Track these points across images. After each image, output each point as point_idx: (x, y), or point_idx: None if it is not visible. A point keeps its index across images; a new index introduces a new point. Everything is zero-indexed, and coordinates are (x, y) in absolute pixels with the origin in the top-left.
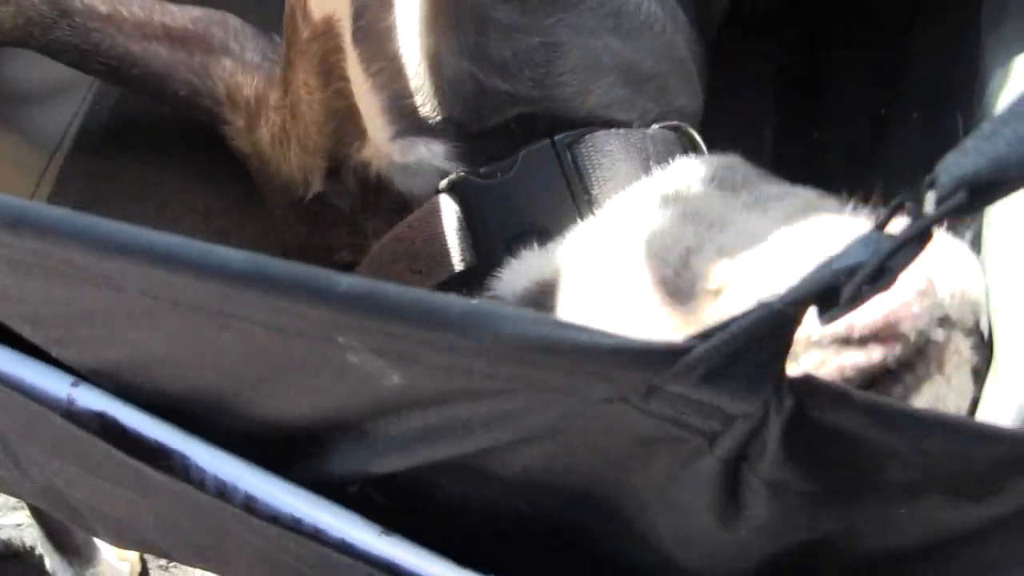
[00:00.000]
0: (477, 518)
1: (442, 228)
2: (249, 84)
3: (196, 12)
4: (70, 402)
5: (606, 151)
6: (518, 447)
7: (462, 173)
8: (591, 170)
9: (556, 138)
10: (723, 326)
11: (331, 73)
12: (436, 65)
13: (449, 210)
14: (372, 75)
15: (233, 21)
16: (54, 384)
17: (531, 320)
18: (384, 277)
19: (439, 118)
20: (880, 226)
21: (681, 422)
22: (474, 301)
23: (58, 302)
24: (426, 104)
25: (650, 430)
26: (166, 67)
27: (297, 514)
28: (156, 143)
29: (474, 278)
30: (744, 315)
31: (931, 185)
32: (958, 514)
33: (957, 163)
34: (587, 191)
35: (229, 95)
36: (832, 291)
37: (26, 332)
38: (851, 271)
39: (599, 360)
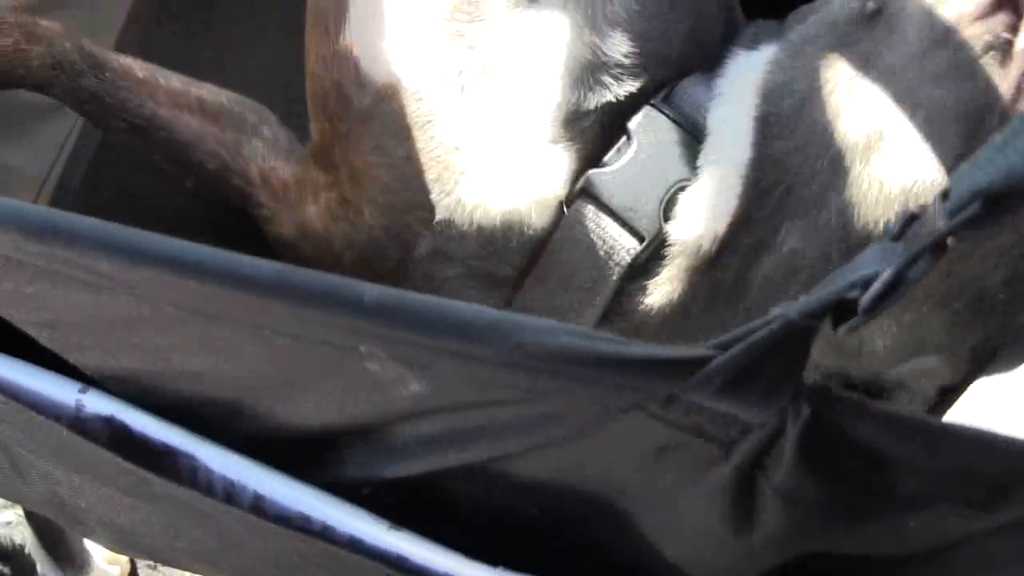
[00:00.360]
0: (487, 519)
1: (597, 231)
2: (285, 168)
3: (234, 95)
4: (78, 408)
5: (692, 91)
6: (533, 454)
7: (587, 174)
8: (695, 111)
9: (652, 102)
10: (742, 336)
11: (412, 130)
12: None
13: (592, 212)
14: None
15: (268, 113)
16: (62, 391)
17: (553, 330)
18: (547, 309)
19: None
20: (895, 237)
21: (699, 430)
22: (498, 311)
23: (82, 309)
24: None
25: (667, 438)
26: (195, 136)
27: (306, 511)
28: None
29: (646, 260)
30: (762, 325)
31: (945, 196)
32: (967, 522)
33: (971, 175)
34: (698, 129)
35: (263, 177)
36: (849, 302)
37: (43, 337)
38: (867, 282)
39: (620, 370)
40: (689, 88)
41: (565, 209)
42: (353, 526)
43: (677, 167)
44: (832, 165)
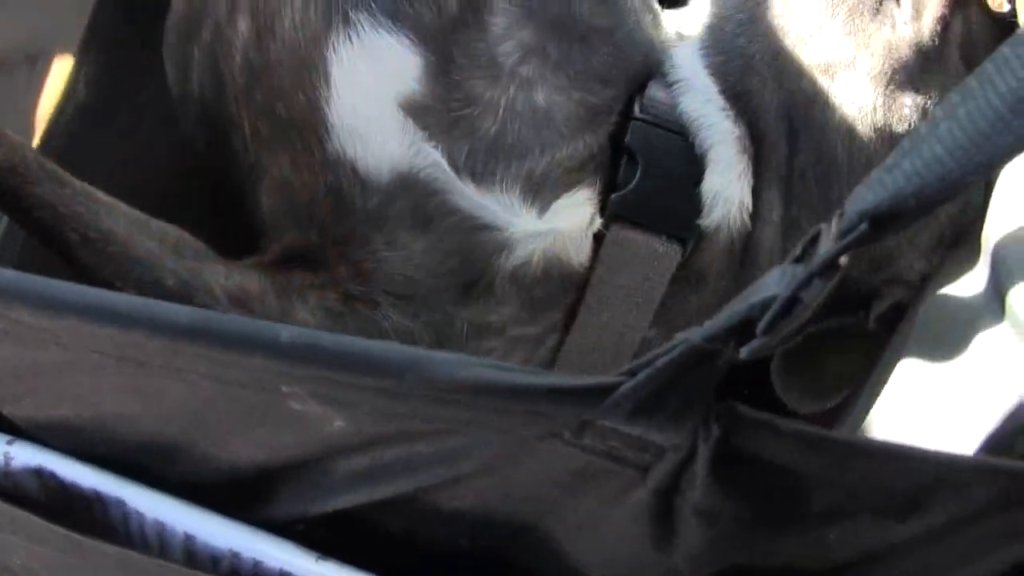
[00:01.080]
0: (419, 551)
1: (640, 249)
2: (254, 280)
3: None
4: (6, 461)
5: (656, 95)
6: (457, 485)
7: (611, 199)
8: (669, 111)
9: (634, 116)
10: (648, 362)
11: (432, 217)
12: None
13: (628, 232)
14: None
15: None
16: None
17: (464, 363)
18: (600, 339)
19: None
20: (797, 259)
21: (613, 455)
22: (411, 348)
23: (6, 360)
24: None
25: (584, 464)
26: (151, 256)
27: (236, 548)
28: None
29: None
30: (668, 350)
31: (840, 216)
32: (883, 533)
33: (861, 196)
34: (682, 126)
35: (232, 296)
36: (749, 324)
37: None
38: (765, 305)
39: (531, 399)
40: (651, 93)
41: (601, 240)
42: (282, 559)
43: (686, 167)
44: (797, 121)
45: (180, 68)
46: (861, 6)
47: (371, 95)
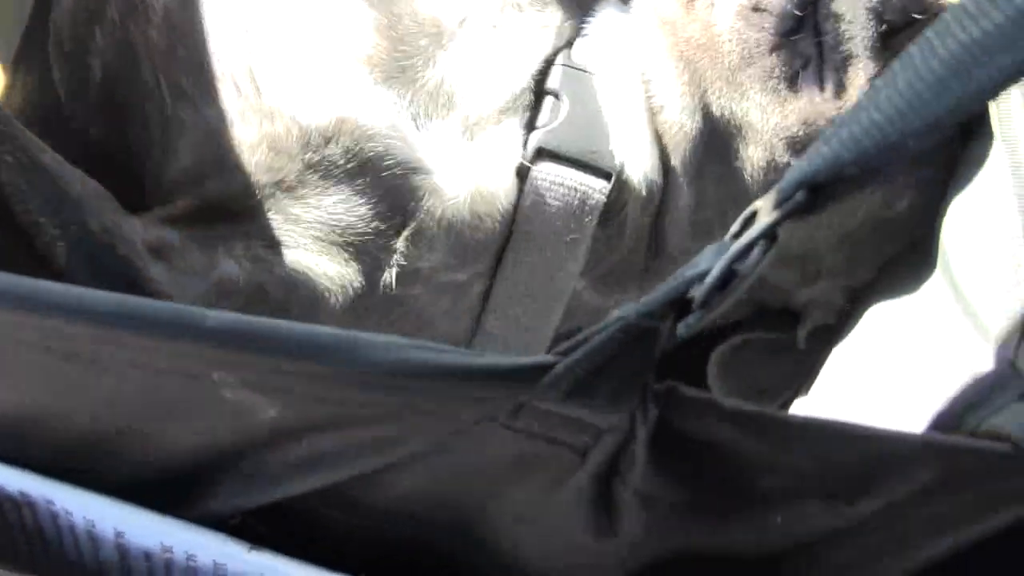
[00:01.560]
0: (360, 543)
1: (565, 183)
2: (172, 233)
3: None
4: None
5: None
6: (394, 472)
7: (538, 134)
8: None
9: (559, 62)
10: (584, 340)
11: (366, 161)
12: None
13: (554, 167)
14: None
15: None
16: None
17: (396, 345)
18: (531, 281)
19: None
20: (734, 235)
21: (551, 438)
22: (340, 331)
23: None
24: None
25: (521, 448)
26: (78, 197)
27: (167, 542)
28: None
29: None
30: (603, 328)
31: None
32: (833, 517)
33: (799, 166)
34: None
35: (152, 248)
36: (685, 299)
37: None
38: (700, 278)
39: (466, 382)
40: (578, 42)
41: (526, 176)
42: (215, 551)
43: (609, 111)
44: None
45: (74, 60)
46: (776, 73)
47: (313, 43)
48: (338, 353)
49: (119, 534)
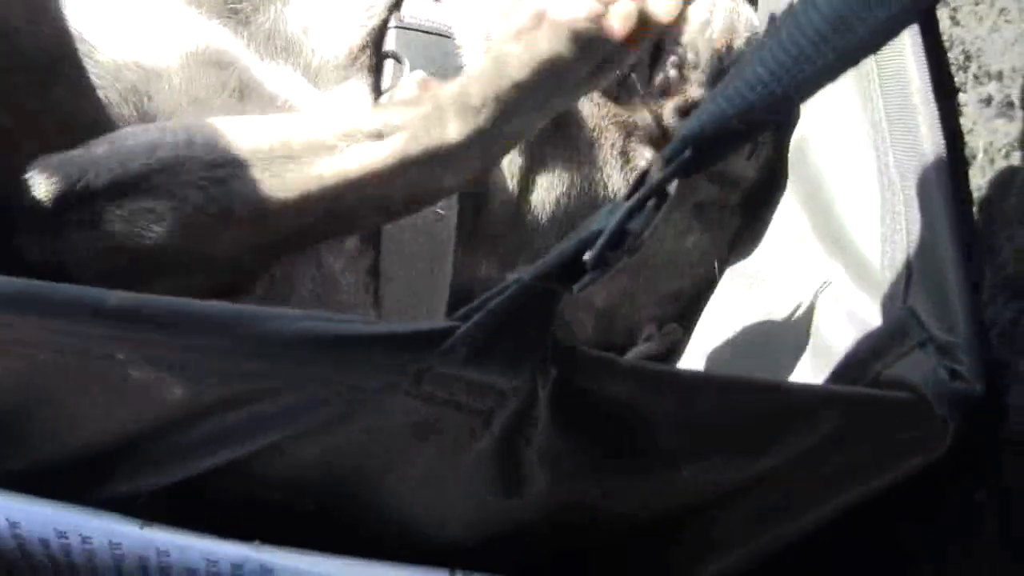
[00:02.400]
0: (266, 517)
1: None
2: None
3: None
4: None
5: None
6: (296, 443)
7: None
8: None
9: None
10: (481, 304)
11: (242, 88)
12: None
13: None
14: None
15: None
16: None
17: (296, 318)
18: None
19: None
20: (628, 195)
21: (455, 403)
22: (240, 305)
23: None
24: None
25: (425, 414)
26: None
27: (62, 528)
28: None
29: None
30: (499, 291)
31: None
32: (737, 469)
33: (688, 124)
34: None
35: None
36: (578, 261)
37: None
38: (593, 239)
39: (366, 350)
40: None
41: None
42: (108, 531)
43: (449, 70)
44: None
45: None
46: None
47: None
48: (238, 327)
49: (13, 524)
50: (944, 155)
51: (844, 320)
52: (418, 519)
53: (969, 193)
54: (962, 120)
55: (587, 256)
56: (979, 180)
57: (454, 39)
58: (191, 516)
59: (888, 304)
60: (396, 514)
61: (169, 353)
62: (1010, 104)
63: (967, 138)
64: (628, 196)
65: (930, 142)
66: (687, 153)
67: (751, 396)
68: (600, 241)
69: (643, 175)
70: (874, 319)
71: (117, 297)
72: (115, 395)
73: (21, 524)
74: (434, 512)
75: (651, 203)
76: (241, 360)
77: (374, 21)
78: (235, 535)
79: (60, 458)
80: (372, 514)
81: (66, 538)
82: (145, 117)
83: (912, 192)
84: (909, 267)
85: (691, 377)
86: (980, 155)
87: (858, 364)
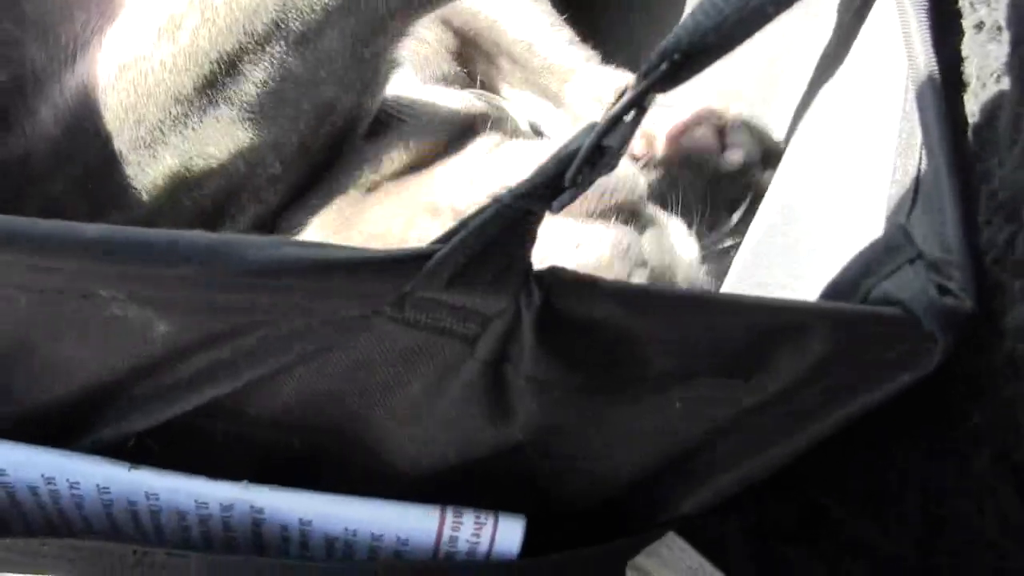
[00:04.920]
0: (252, 458)
1: None
2: None
3: None
4: None
5: None
6: (281, 378)
7: None
8: None
9: None
10: (461, 226)
11: None
12: None
13: None
14: None
15: None
16: None
17: (277, 244)
18: None
19: None
20: (606, 112)
21: (438, 328)
22: (218, 234)
23: None
24: None
25: (409, 341)
26: None
27: (47, 474)
28: None
29: None
30: (479, 213)
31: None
32: (731, 395)
33: (665, 39)
34: None
35: None
36: (558, 179)
37: None
38: (571, 156)
39: (347, 275)
40: None
41: None
42: (96, 475)
43: None
44: None
45: None
46: None
47: None
48: (217, 255)
49: (1, 472)
50: (935, 73)
51: (844, 234)
52: (406, 454)
53: (964, 117)
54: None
55: (566, 174)
56: (972, 106)
57: None
58: (178, 461)
59: (890, 221)
60: (384, 450)
61: (151, 287)
62: (998, 28)
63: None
64: (607, 112)
65: (927, 66)
66: (663, 67)
67: (740, 314)
68: (579, 157)
69: (622, 92)
70: (873, 234)
71: (96, 229)
72: (98, 336)
73: (7, 471)
74: (422, 447)
75: (628, 118)
76: (223, 292)
77: None
78: (215, 471)
79: (44, 406)
80: (359, 451)
81: (54, 484)
82: None
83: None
84: (916, 189)
85: (677, 295)
86: (973, 81)
87: (848, 282)
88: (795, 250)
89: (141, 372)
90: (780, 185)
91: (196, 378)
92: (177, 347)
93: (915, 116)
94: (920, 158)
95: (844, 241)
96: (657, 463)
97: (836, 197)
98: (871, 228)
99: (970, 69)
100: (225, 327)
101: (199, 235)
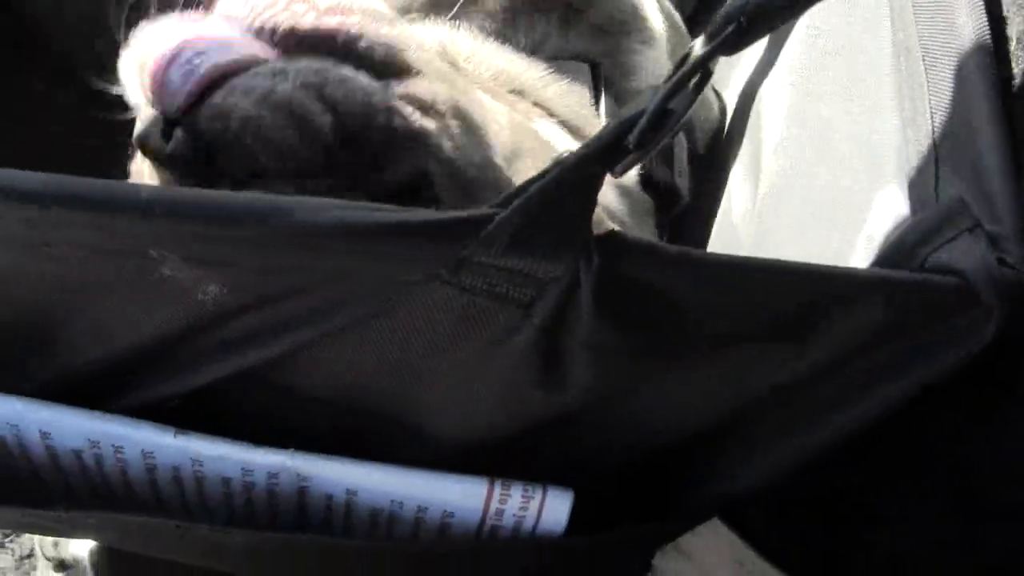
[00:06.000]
0: (294, 424)
1: None
2: None
3: None
4: None
5: None
6: (331, 340)
7: None
8: None
9: None
10: (522, 189)
11: None
12: None
13: None
14: None
15: None
16: None
17: (334, 206)
18: None
19: None
20: (669, 76)
21: (495, 293)
22: (276, 196)
23: None
24: None
25: (464, 305)
26: None
27: (93, 437)
28: None
29: None
30: (541, 176)
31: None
32: (783, 363)
33: (730, 3)
34: None
35: None
36: (620, 143)
37: None
38: (635, 120)
39: (404, 238)
40: None
41: None
42: (141, 440)
43: None
44: None
45: None
46: None
47: None
48: (276, 216)
49: (45, 435)
50: (986, 39)
51: (900, 202)
52: (453, 423)
53: (1011, 79)
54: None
55: (629, 137)
56: (1012, 68)
57: None
58: (222, 430)
59: (917, 192)
60: (429, 418)
61: (204, 248)
62: None
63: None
64: (670, 76)
65: (970, 26)
66: (729, 29)
67: (796, 281)
68: (643, 121)
69: (685, 56)
70: (903, 207)
71: (150, 191)
72: (148, 296)
73: (52, 435)
74: (470, 415)
75: (693, 82)
76: (278, 252)
77: None
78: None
79: (91, 366)
80: (404, 420)
81: (98, 448)
82: None
83: (942, 76)
84: (936, 154)
85: (735, 262)
86: (1013, 43)
87: (903, 252)
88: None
89: (188, 333)
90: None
91: (243, 340)
92: (227, 309)
93: (930, 73)
94: (933, 119)
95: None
96: (706, 430)
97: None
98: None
99: (1009, 32)
100: (276, 290)
101: (255, 197)
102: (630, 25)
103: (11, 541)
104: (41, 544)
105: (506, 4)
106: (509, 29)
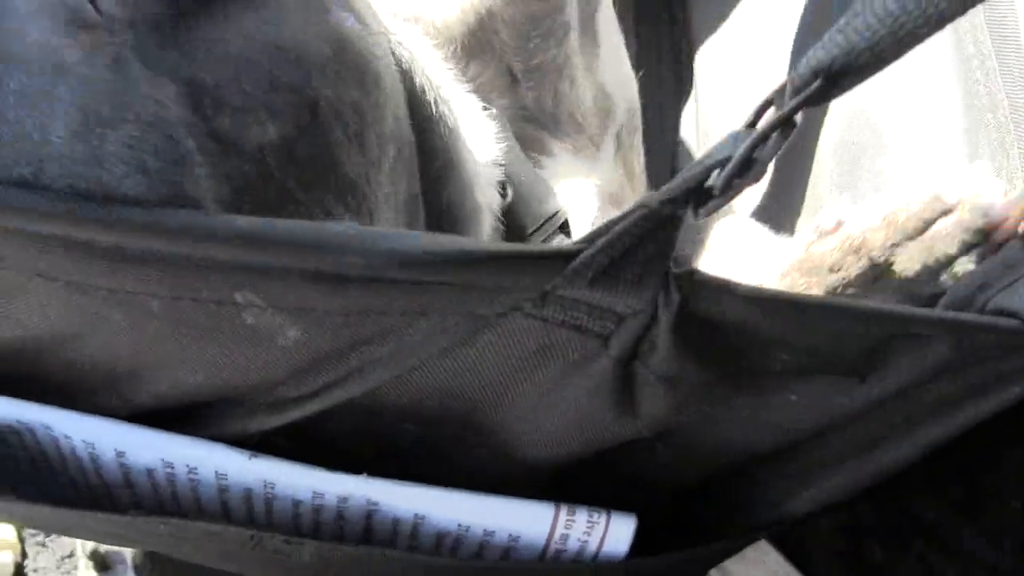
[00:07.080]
0: (368, 445)
1: None
2: None
3: None
4: None
5: None
6: (413, 375)
7: None
8: None
9: None
10: (606, 228)
11: None
12: None
13: None
14: None
15: None
16: None
17: (421, 238)
18: None
19: None
20: (750, 124)
21: (575, 325)
22: (364, 228)
23: None
24: None
25: (545, 337)
26: None
27: (168, 458)
28: None
29: None
30: (625, 216)
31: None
32: (845, 394)
33: (815, 54)
34: None
35: None
36: (704, 186)
37: None
38: (721, 165)
39: (492, 271)
40: None
41: None
42: (216, 462)
43: None
44: None
45: None
46: None
47: None
48: (363, 246)
49: (120, 454)
50: None
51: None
52: (525, 447)
53: None
54: None
55: (713, 181)
56: None
57: None
58: (297, 452)
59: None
60: (500, 441)
61: (289, 291)
62: None
63: None
64: (752, 123)
65: None
66: (817, 83)
67: (866, 320)
68: (729, 168)
69: (767, 103)
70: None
71: (246, 220)
72: (228, 344)
73: (127, 454)
74: (541, 439)
75: (777, 133)
76: (362, 292)
77: None
78: (336, 466)
79: (165, 409)
80: (476, 443)
81: (172, 468)
82: None
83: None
84: None
85: (808, 302)
86: None
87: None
88: None
89: (260, 387)
90: None
91: (323, 388)
92: (307, 355)
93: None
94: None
95: None
96: (766, 454)
97: None
98: None
99: None
100: (359, 332)
101: (342, 226)
102: None
103: (52, 540)
104: (83, 544)
105: None
106: None
